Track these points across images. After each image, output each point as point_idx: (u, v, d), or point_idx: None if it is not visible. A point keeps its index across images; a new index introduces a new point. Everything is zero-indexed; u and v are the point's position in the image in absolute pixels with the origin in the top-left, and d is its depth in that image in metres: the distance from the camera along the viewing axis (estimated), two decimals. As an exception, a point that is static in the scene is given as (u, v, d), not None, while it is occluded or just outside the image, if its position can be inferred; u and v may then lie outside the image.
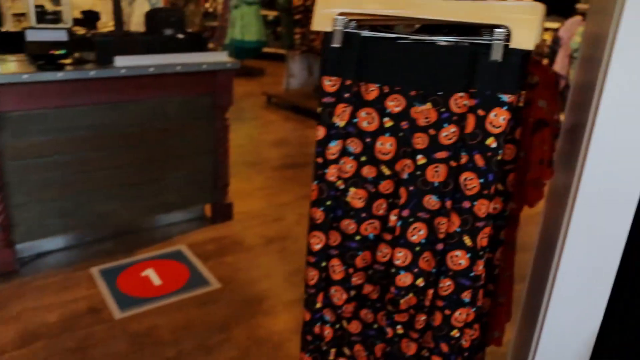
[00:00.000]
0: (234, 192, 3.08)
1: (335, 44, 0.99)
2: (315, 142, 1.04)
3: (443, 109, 0.96)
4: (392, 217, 1.03)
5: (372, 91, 0.99)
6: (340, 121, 1.01)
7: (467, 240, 0.99)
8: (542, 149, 1.18)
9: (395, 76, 0.98)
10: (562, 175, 1.17)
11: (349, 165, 1.05)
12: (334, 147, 1.02)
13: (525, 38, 0.88)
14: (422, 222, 1.03)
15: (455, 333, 1.04)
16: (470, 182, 0.96)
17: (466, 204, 0.97)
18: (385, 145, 1.01)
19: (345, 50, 0.99)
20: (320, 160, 1.04)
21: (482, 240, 0.99)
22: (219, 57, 2.71)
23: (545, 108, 1.17)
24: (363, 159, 1.04)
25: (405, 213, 1.02)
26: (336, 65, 0.99)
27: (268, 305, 2.22)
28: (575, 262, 1.00)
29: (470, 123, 0.93)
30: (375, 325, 1.16)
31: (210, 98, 2.70)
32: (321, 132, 1.02)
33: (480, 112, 0.92)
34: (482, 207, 0.96)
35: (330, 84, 1.00)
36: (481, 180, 0.95)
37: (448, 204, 0.99)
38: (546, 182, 1.21)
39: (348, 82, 0.99)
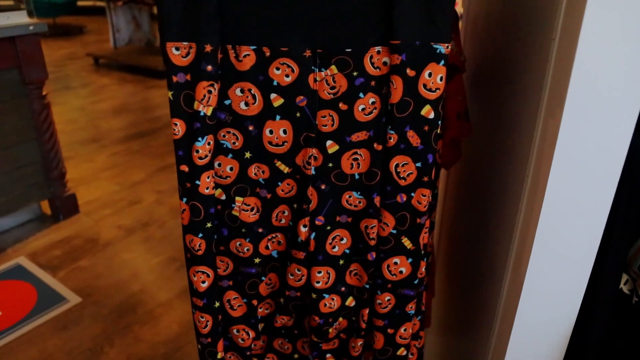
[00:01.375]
0: (75, 180, 2.53)
1: None
2: (173, 142, 0.68)
3: (355, 73, 0.65)
4: (302, 229, 0.72)
5: (246, 57, 0.65)
6: (205, 107, 0.65)
7: (407, 243, 0.73)
8: (457, 100, 0.93)
9: (279, 31, 0.65)
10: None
11: (228, 167, 0.71)
12: (203, 146, 0.67)
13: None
14: (343, 229, 0.74)
15: (402, 352, 0.79)
16: (405, 168, 0.68)
17: (401, 197, 0.69)
18: (278, 133, 0.69)
19: None
20: (185, 168, 0.68)
21: (424, 237, 0.73)
22: (15, 19, 2.07)
23: (454, 50, 0.91)
24: (247, 155, 0.71)
25: (319, 220, 0.72)
26: (184, 24, 0.63)
27: (144, 312, 1.83)
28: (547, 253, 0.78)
29: (398, 89, 0.64)
30: (296, 356, 0.87)
31: (16, 73, 2.09)
32: (179, 127, 0.67)
33: (410, 72, 0.63)
34: (423, 199, 0.70)
35: (179, 53, 0.64)
36: (418, 165, 0.68)
37: (376, 200, 0.70)
38: (464, 139, 0.98)
39: (208, 48, 0.63)
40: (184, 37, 0.63)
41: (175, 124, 0.67)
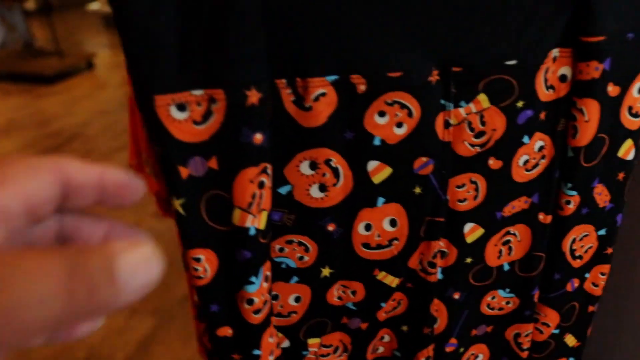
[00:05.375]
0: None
1: None
2: (194, 291, 0.33)
3: (520, 102, 0.34)
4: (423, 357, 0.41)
5: (320, 99, 0.32)
6: (256, 218, 0.31)
7: (571, 340, 0.45)
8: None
9: (383, 43, 0.31)
10: None
11: (292, 298, 0.42)
12: (259, 290, 0.33)
13: None
14: (480, 343, 0.45)
15: None
16: (583, 242, 0.40)
17: (573, 285, 0.41)
18: (380, 227, 0.37)
19: None
20: (226, 332, 0.34)
21: (589, 329, 0.45)
22: None
23: None
24: (325, 272, 0.40)
25: (452, 345, 0.42)
26: (194, 55, 0.28)
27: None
28: None
29: (591, 121, 0.34)
30: None
31: None
32: (205, 264, 0.34)
33: (612, 90, 0.33)
34: (601, 279, 0.42)
35: (186, 116, 0.31)
36: (601, 232, 0.40)
37: (535, 296, 0.41)
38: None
39: (254, 97, 0.29)
40: (196, 82, 0.28)
41: (197, 259, 0.32)
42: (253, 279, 0.34)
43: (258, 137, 0.31)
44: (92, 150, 2.76)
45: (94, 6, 5.42)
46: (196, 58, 0.28)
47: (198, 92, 0.29)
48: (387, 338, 0.45)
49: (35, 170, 0.20)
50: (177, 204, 0.31)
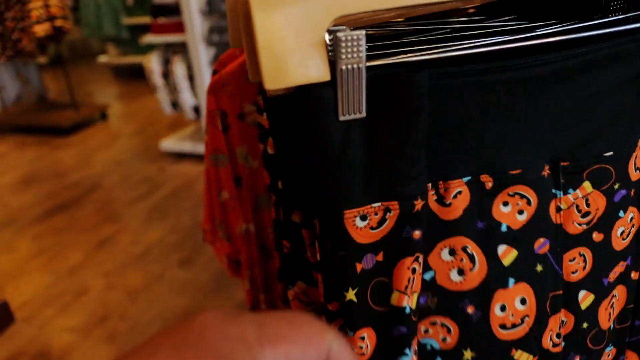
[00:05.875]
0: None
1: (359, 113, 0.33)
2: None
3: (617, 185, 0.40)
4: None
5: (457, 196, 0.37)
6: (410, 298, 0.36)
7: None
8: None
9: (505, 147, 0.38)
10: None
11: None
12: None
13: None
14: None
15: None
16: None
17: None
18: (513, 307, 0.42)
19: (399, 122, 0.33)
20: None
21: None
22: None
23: None
24: (468, 356, 0.44)
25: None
26: (374, 175, 0.34)
27: None
28: None
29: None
30: None
31: None
32: (367, 342, 0.38)
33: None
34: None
35: (365, 224, 0.35)
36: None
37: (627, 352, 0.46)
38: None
39: (419, 205, 0.35)
40: (375, 196, 0.34)
41: (362, 338, 0.37)
42: (407, 351, 0.39)
43: (417, 233, 0.37)
44: (112, 200, 2.81)
45: (103, 58, 5.58)
46: (376, 178, 0.35)
47: (376, 205, 0.35)
48: None
49: (306, 342, 0.21)
50: (352, 293, 0.37)
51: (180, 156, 3.23)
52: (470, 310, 0.43)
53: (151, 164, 3.20)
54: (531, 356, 0.45)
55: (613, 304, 0.46)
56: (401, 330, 0.39)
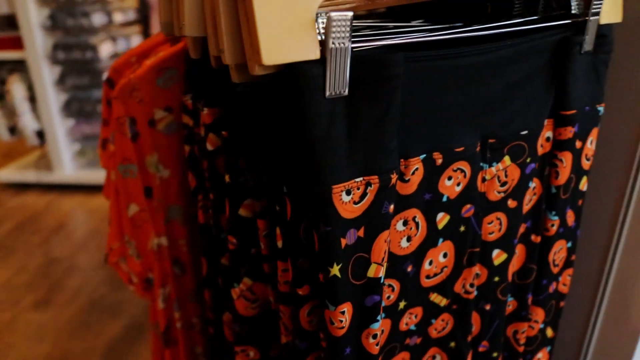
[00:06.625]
0: None
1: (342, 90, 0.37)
2: (332, 340, 0.41)
3: (529, 159, 0.49)
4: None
5: (415, 173, 0.42)
6: (384, 268, 0.40)
7: (549, 332, 0.60)
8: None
9: (452, 127, 0.43)
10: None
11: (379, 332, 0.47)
12: (380, 326, 0.42)
13: (614, 5, 0.50)
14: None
15: None
16: (560, 254, 0.55)
17: (552, 287, 0.57)
18: (437, 260, 0.48)
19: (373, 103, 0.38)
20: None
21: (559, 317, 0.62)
22: None
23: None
24: (401, 305, 0.49)
25: (483, 347, 0.54)
26: (357, 149, 0.39)
27: None
28: None
29: (567, 167, 0.50)
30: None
31: None
32: (347, 315, 0.41)
33: (578, 144, 0.50)
34: (568, 280, 0.58)
35: (350, 199, 0.39)
36: (569, 244, 0.56)
37: (529, 299, 0.56)
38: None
39: (394, 178, 0.39)
40: (358, 171, 0.37)
41: (343, 312, 0.39)
42: (378, 317, 0.41)
43: (391, 208, 0.40)
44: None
45: None
46: (359, 153, 0.37)
47: (359, 179, 0.38)
48: (438, 358, 0.54)
49: None
50: (337, 269, 0.38)
51: (22, 187, 2.84)
52: (409, 269, 0.47)
53: (-15, 199, 2.77)
54: (444, 299, 0.51)
55: (513, 259, 0.55)
56: (374, 299, 0.41)
